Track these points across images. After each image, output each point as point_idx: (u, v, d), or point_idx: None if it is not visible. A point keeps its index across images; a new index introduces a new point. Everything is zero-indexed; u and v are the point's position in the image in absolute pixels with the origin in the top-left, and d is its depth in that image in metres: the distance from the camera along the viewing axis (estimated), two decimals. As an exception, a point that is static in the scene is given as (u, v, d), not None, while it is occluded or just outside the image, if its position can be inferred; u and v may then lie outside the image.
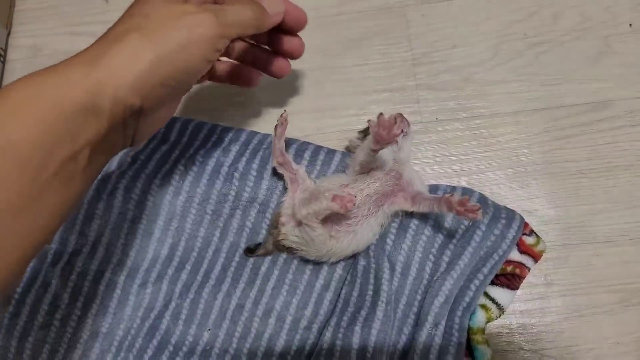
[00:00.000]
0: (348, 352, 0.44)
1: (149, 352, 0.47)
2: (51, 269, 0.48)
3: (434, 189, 0.50)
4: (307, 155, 0.51)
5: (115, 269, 0.48)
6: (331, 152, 0.52)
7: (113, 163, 0.51)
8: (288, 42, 0.46)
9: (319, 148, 0.52)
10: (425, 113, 0.55)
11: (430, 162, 0.53)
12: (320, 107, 0.56)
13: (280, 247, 0.49)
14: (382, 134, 0.40)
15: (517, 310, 0.48)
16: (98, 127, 0.30)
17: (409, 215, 0.48)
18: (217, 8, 0.35)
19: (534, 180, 0.52)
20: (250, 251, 0.50)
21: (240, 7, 0.37)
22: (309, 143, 0.53)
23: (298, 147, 0.52)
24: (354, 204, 0.42)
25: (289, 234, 0.47)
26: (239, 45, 0.47)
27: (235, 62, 0.48)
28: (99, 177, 0.50)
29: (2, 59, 0.59)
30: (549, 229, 0.50)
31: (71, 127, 0.29)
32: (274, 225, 0.48)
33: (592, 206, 0.50)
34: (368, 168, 0.46)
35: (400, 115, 0.49)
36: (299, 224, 0.46)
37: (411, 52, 0.57)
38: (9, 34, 0.61)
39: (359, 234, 0.46)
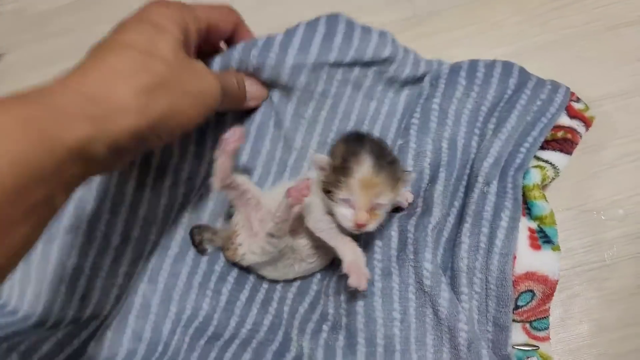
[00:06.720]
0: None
1: None
2: None
3: (473, 64, 0.46)
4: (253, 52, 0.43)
5: None
6: None
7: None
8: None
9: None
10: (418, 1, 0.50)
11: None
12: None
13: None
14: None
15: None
16: (84, 172, 0.28)
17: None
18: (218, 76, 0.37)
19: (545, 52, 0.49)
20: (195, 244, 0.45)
21: (231, 80, 0.41)
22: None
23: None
24: (309, 189, 0.36)
25: (249, 252, 0.41)
26: None
27: None
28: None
29: None
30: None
31: (55, 170, 0.25)
32: (226, 246, 0.43)
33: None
34: None
35: None
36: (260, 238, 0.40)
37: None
38: None
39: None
